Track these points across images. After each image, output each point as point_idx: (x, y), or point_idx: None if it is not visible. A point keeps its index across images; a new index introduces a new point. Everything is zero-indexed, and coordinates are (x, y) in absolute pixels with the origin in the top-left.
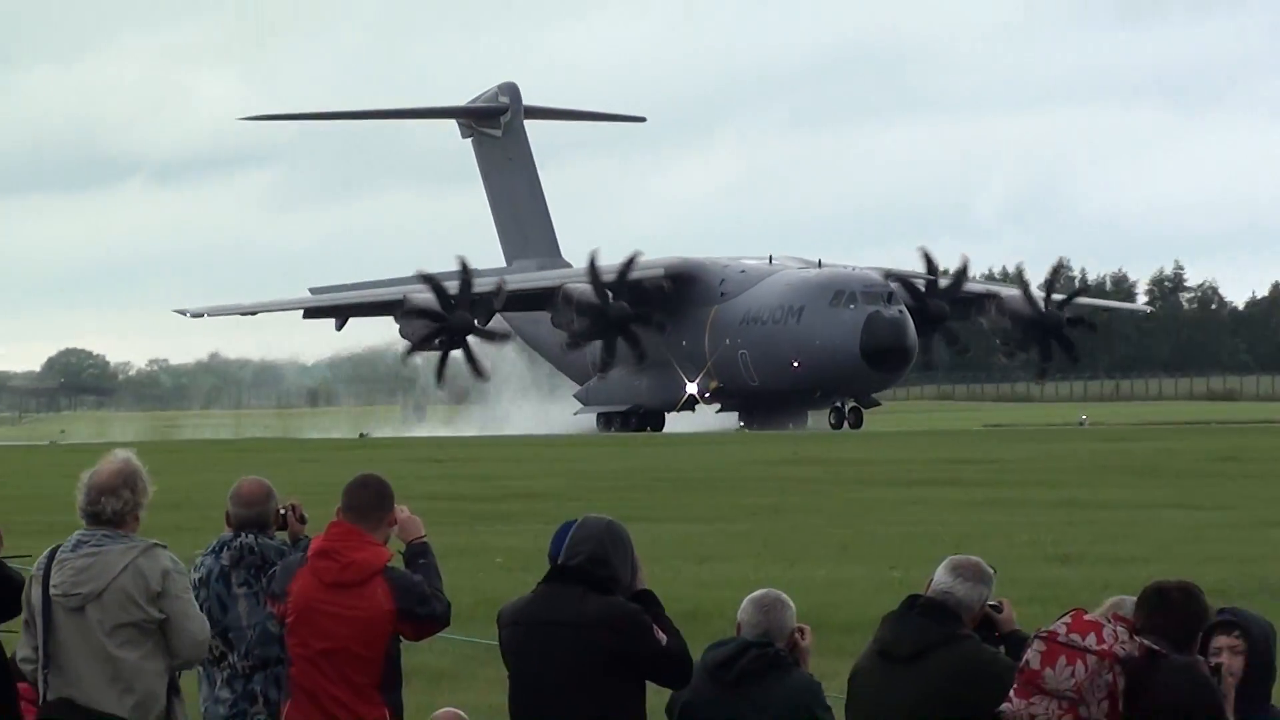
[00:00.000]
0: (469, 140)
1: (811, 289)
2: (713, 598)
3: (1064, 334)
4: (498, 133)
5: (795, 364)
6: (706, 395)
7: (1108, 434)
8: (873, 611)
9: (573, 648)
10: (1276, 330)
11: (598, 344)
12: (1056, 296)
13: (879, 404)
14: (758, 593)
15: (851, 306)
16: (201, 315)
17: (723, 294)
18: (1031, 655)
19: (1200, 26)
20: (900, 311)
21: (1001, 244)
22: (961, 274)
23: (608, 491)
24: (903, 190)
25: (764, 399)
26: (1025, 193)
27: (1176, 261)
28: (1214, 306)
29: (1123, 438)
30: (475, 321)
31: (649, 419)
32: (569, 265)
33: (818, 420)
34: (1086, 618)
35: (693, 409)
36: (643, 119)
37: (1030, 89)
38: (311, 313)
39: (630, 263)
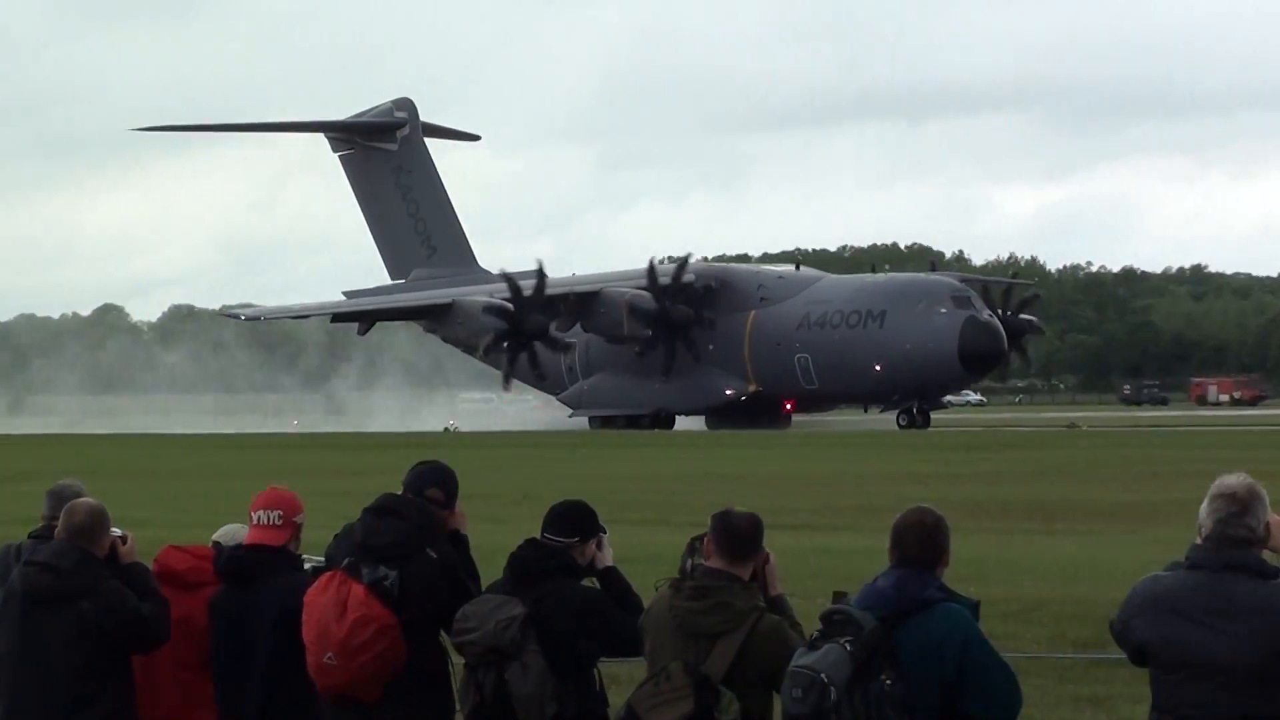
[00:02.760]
0: (343, 155)
1: (893, 293)
2: None
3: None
4: (393, 146)
5: (878, 367)
6: (742, 399)
7: None
8: None
9: None
10: None
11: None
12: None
13: (944, 405)
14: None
15: (943, 310)
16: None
17: (762, 299)
18: None
19: None
20: (991, 316)
21: None
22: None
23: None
24: None
25: (817, 400)
26: None
27: None
28: None
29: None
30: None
31: (662, 423)
32: (489, 274)
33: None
34: None
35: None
36: (477, 137)
37: None
38: (341, 317)
39: (683, 265)
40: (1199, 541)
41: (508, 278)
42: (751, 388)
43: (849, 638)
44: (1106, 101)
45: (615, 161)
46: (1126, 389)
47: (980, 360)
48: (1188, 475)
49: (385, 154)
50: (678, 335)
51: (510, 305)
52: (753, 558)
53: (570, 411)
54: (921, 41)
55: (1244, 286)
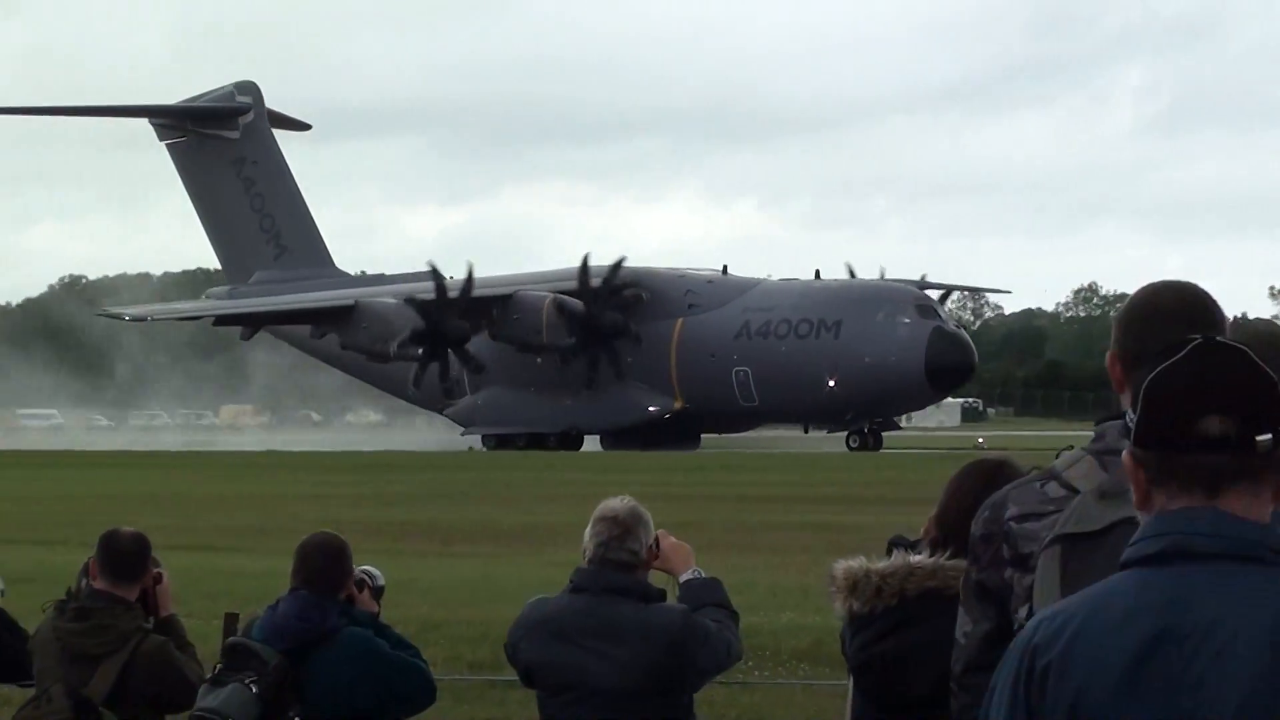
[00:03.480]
0: (172, 143)
1: (849, 300)
2: None
3: None
4: (234, 134)
5: (831, 383)
6: (666, 417)
7: None
8: None
9: None
10: None
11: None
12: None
13: (899, 426)
14: None
15: (906, 320)
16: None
17: (690, 305)
18: None
19: None
20: (958, 326)
21: None
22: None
23: None
24: None
25: (755, 419)
26: None
27: None
28: None
29: None
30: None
31: (571, 443)
32: (349, 276)
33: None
34: None
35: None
36: (308, 126)
37: None
38: (224, 320)
39: (618, 266)
40: (584, 564)
41: (435, 272)
42: (677, 404)
43: (253, 675)
44: (509, 125)
45: None
46: None
47: (948, 375)
48: (587, 498)
49: (225, 143)
50: (604, 345)
51: (431, 303)
52: (140, 578)
53: (461, 430)
54: (322, 64)
55: None
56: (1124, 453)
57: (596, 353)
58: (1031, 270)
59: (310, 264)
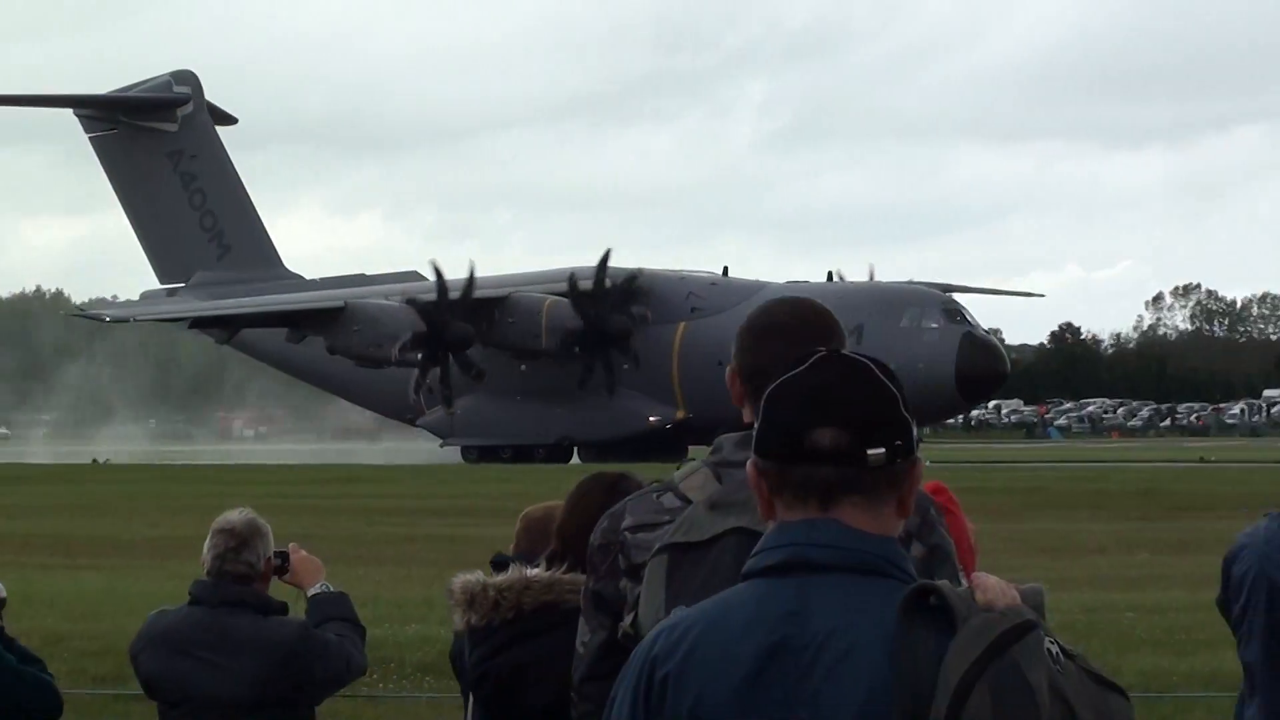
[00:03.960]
0: (99, 135)
1: (871, 304)
2: None
3: None
4: (172, 127)
5: None
6: (667, 427)
7: None
8: None
9: None
10: None
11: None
12: None
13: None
14: None
15: (934, 325)
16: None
17: (693, 309)
18: None
19: None
20: (989, 331)
21: None
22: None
23: None
24: None
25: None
26: None
27: None
28: None
29: None
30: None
31: (562, 455)
32: (302, 279)
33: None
34: None
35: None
36: (234, 119)
37: None
38: (201, 323)
39: (604, 262)
40: (203, 577)
41: (438, 271)
42: (679, 414)
43: None
44: None
45: None
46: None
47: (981, 384)
48: (206, 510)
49: (160, 135)
50: (606, 351)
51: (433, 305)
52: None
53: (440, 441)
54: None
55: None
56: (748, 463)
57: (598, 358)
58: None
59: (256, 264)
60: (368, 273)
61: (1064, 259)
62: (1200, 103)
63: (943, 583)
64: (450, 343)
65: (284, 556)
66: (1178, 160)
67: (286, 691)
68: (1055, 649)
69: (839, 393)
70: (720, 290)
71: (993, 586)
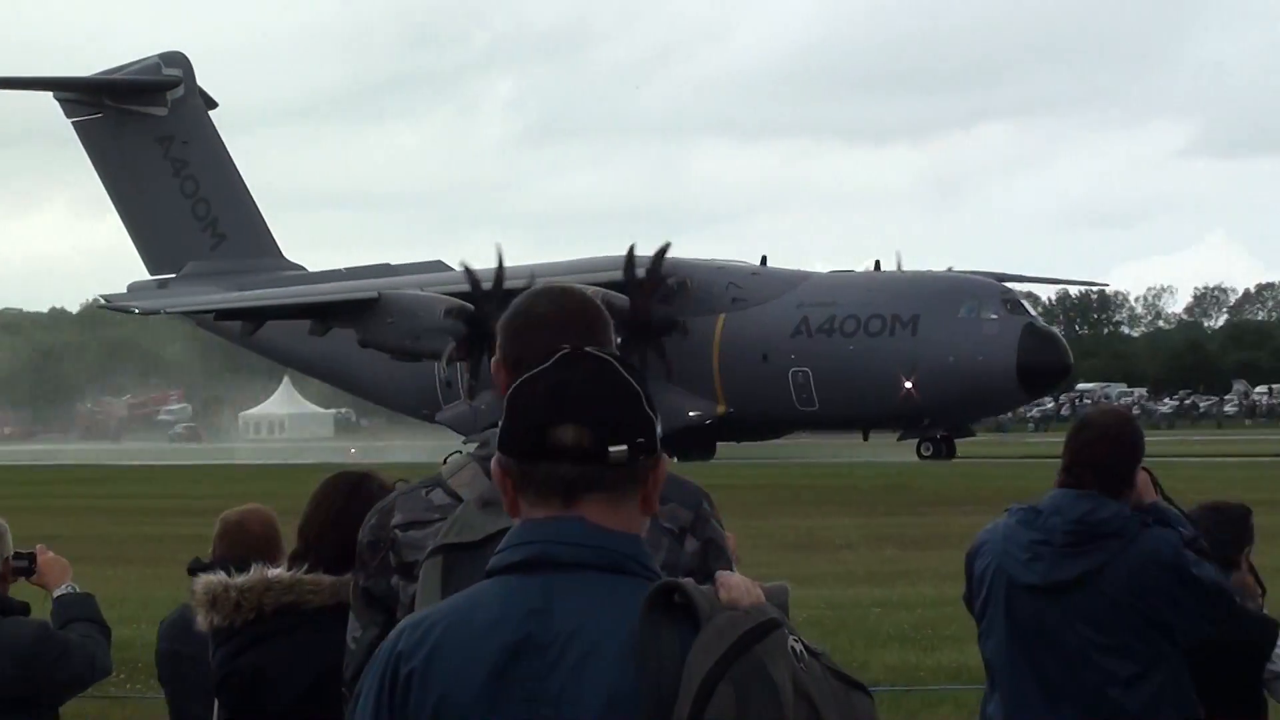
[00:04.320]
0: (82, 120)
1: (926, 294)
2: None
3: None
4: (162, 111)
5: (909, 385)
6: (708, 423)
7: None
8: None
9: None
10: None
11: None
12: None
13: (974, 433)
14: None
15: (994, 316)
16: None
17: (734, 300)
18: None
19: None
20: (1050, 324)
21: None
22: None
23: None
24: None
25: (810, 425)
26: None
27: None
28: None
29: None
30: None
31: None
32: (301, 269)
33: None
34: None
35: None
36: (214, 103)
37: None
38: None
39: (662, 254)
40: None
41: (467, 268)
42: (720, 409)
43: None
44: None
45: None
46: None
47: (1044, 377)
48: None
49: (150, 120)
50: (650, 343)
51: (469, 301)
52: None
53: (463, 439)
54: None
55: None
56: (493, 460)
57: (643, 352)
58: None
59: (254, 254)
60: (392, 263)
61: (809, 255)
62: (942, 100)
63: (687, 580)
64: (491, 335)
65: (30, 558)
66: (919, 157)
67: (26, 692)
68: (799, 647)
69: (581, 390)
70: (761, 280)
71: (737, 585)
